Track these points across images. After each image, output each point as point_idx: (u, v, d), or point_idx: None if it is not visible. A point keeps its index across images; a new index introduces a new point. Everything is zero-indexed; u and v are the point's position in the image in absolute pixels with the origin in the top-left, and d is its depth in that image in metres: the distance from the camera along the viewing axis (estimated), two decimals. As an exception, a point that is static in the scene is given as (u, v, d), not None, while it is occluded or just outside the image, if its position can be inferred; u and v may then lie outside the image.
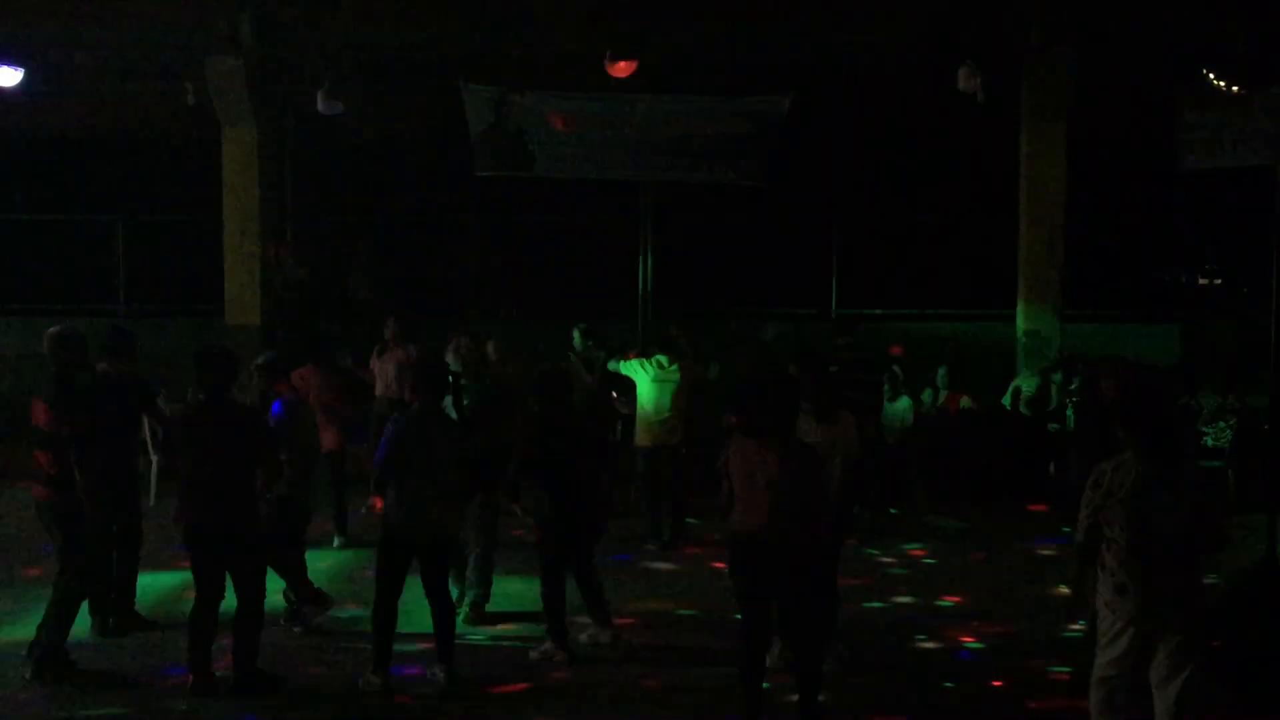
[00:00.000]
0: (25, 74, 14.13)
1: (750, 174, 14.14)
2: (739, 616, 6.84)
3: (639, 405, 11.40)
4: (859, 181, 16.79)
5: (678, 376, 11.28)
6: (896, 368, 13.20)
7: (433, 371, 7.78)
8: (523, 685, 7.62)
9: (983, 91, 13.56)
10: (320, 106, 14.31)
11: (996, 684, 7.70)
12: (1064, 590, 7.92)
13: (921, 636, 8.64)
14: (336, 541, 11.02)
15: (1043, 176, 15.03)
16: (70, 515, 7.65)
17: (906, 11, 14.33)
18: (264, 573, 7.60)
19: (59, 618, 7.61)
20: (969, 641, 8.55)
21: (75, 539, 7.68)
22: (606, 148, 13.91)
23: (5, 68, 12.36)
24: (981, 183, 16.44)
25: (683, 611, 9.25)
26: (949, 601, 9.61)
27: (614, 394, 12.54)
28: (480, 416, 8.80)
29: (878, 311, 16.10)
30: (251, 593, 7.41)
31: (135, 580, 8.66)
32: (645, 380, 11.31)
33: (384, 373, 12.43)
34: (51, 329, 7.89)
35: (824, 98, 14.83)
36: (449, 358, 8.95)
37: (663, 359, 11.33)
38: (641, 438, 11.37)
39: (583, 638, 8.22)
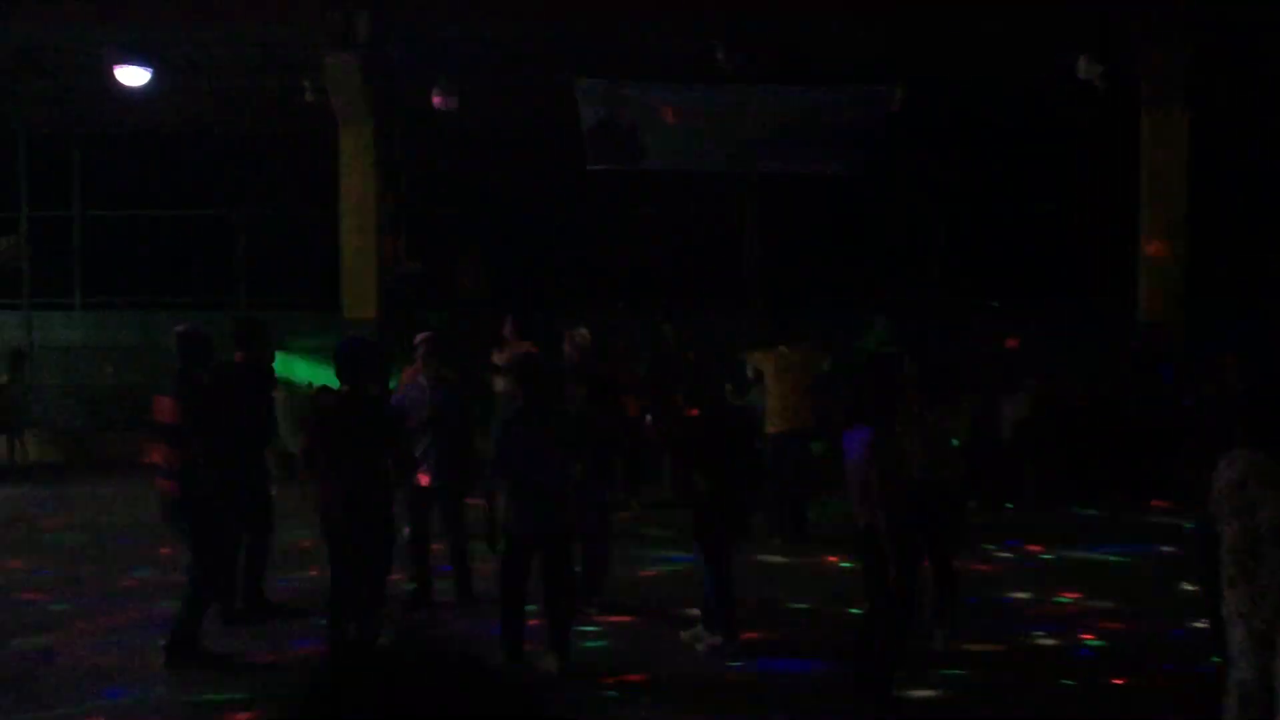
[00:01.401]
0: (151, 74, 14.55)
1: (859, 164, 14.04)
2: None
3: (767, 394, 11.42)
4: (971, 172, 16.55)
5: (800, 364, 11.31)
6: (1010, 360, 13.00)
7: (532, 370, 7.82)
8: (640, 676, 7.67)
9: (1103, 79, 13.29)
10: (435, 102, 14.47)
11: (1117, 682, 7.56)
12: (1191, 587, 7.75)
13: (1039, 633, 8.51)
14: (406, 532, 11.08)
15: (1163, 166, 14.67)
16: (194, 507, 7.82)
17: (1022, -2, 14.11)
18: (392, 555, 7.74)
19: (191, 605, 7.82)
20: (1089, 639, 8.41)
21: (201, 530, 7.84)
22: (717, 140, 13.92)
23: (133, 68, 12.71)
24: (1100, 173, 16.10)
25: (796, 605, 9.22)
26: (1067, 598, 9.45)
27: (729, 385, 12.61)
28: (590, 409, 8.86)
29: (995, 304, 15.85)
30: (378, 574, 7.56)
31: (265, 566, 8.86)
32: (770, 369, 11.36)
33: (504, 373, 12.52)
34: (179, 326, 8.10)
35: (936, 87, 14.66)
36: (565, 349, 9.03)
37: (784, 348, 11.39)
38: (769, 425, 11.42)
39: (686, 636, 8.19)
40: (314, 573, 8.90)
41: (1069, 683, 7.55)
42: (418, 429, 8.77)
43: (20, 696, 7.29)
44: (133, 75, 13.79)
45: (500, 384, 12.48)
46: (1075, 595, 9.48)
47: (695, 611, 8.26)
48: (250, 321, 9.02)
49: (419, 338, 9.31)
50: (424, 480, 8.94)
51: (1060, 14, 14.03)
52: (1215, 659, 6.15)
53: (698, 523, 8.13)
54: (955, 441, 6.96)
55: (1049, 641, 8.36)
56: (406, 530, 10.91)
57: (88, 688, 7.45)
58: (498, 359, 12.52)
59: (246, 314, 9.35)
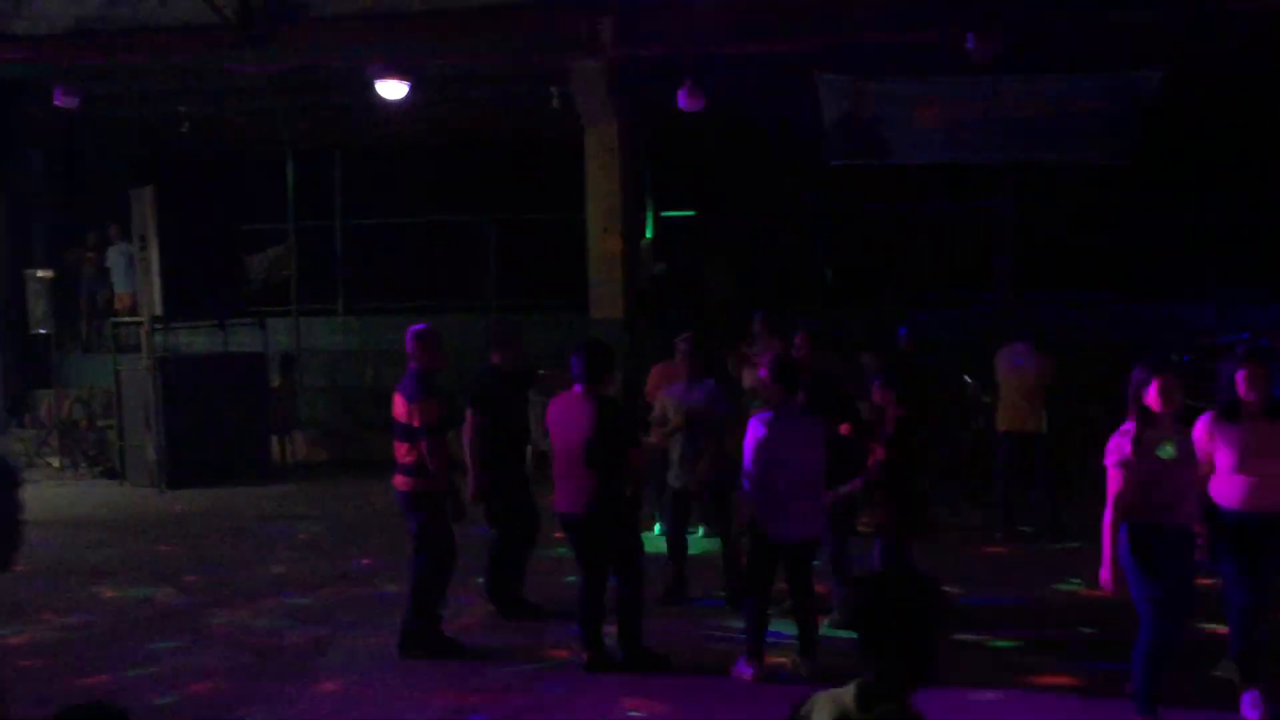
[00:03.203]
0: (409, 87, 15.11)
1: (1118, 153, 13.52)
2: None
3: (1001, 390, 11.31)
4: (1238, 158, 15.73)
5: (1035, 361, 11.10)
6: None
7: (787, 370, 7.81)
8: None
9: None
10: (681, 103, 14.59)
11: None
12: None
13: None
14: (658, 529, 11.18)
15: None
16: (425, 503, 8.02)
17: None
18: (640, 556, 7.80)
19: (417, 599, 8.06)
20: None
21: (429, 525, 8.04)
22: (967, 131, 13.62)
23: (393, 82, 13.20)
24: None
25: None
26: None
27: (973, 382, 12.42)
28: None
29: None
30: (630, 575, 7.65)
31: (525, 566, 9.07)
32: (1005, 365, 11.24)
33: (751, 366, 12.55)
34: (413, 327, 8.32)
35: (1199, 70, 14.00)
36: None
37: (1019, 344, 11.23)
38: (1001, 421, 11.27)
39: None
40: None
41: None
42: (680, 428, 8.86)
43: (304, 682, 7.68)
44: (392, 89, 14.33)
45: (748, 379, 12.52)
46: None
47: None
48: (505, 323, 9.23)
49: (681, 337, 9.38)
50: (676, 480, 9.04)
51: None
52: None
53: (883, 518, 8.08)
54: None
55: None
56: (656, 529, 11.09)
57: (358, 672, 7.80)
58: (749, 354, 12.55)
59: (503, 316, 9.57)
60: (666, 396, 9.27)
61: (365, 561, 10.85)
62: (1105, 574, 6.35)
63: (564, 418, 7.62)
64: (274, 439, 16.22)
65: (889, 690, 3.17)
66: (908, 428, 8.12)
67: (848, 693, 3.21)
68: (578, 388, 7.62)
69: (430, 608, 8.09)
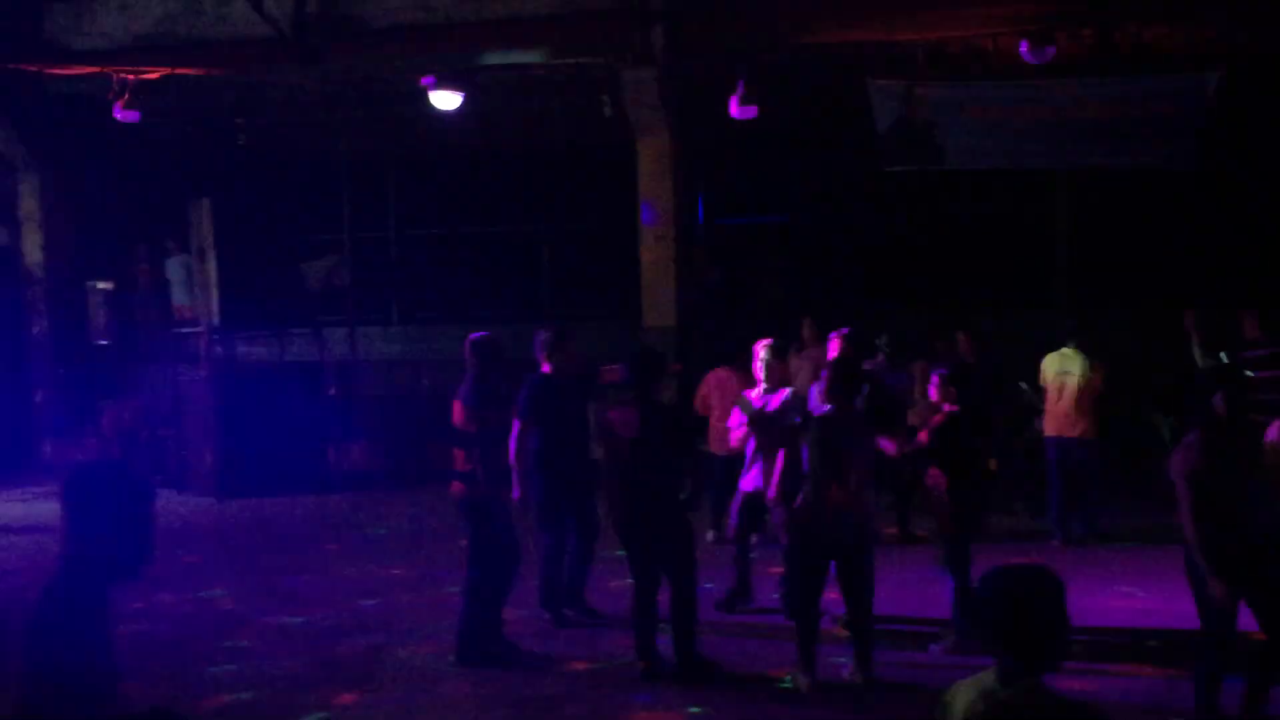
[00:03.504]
0: (462, 97, 15.21)
1: (1177, 157, 13.34)
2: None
3: (1048, 395, 11.42)
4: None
5: (1082, 368, 11.15)
6: None
7: (844, 372, 7.76)
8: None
9: None
10: (734, 111, 14.58)
11: None
12: None
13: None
14: (711, 535, 11.15)
15: None
16: (478, 509, 8.06)
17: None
18: (694, 564, 7.77)
19: (470, 606, 8.10)
20: None
21: (482, 532, 8.07)
22: (1021, 136, 13.50)
23: (446, 93, 13.29)
24: None
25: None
26: None
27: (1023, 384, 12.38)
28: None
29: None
30: (683, 582, 7.63)
31: (586, 572, 9.09)
32: (1052, 370, 11.35)
33: (800, 372, 12.54)
34: (471, 336, 8.39)
35: (1258, 72, 13.80)
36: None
37: (1067, 350, 11.32)
38: (1047, 426, 11.34)
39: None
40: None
41: None
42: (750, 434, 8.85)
43: (363, 690, 7.74)
44: (445, 100, 14.42)
45: (797, 384, 12.50)
46: None
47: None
48: (553, 330, 9.26)
49: (761, 344, 9.37)
50: (747, 485, 9.03)
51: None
52: None
53: (942, 523, 8.07)
54: None
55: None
56: (710, 535, 11.08)
57: (417, 680, 7.84)
58: (795, 361, 12.55)
59: (554, 324, 9.59)
60: (744, 400, 9.28)
61: (422, 570, 10.90)
62: (1217, 588, 6.20)
63: (619, 425, 7.64)
64: (330, 448, 16.35)
65: (1027, 671, 3.32)
66: (961, 427, 8.08)
67: (989, 674, 3.38)
68: (631, 395, 7.67)
69: (486, 615, 8.12)
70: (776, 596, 9.00)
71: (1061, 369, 11.29)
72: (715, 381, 11.28)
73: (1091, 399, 11.22)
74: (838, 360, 8.09)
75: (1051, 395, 11.38)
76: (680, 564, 7.66)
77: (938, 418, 8.20)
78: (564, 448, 8.80)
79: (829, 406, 7.56)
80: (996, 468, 10.15)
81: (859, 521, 7.44)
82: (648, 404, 7.62)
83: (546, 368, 8.92)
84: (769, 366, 9.11)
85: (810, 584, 7.50)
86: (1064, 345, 11.47)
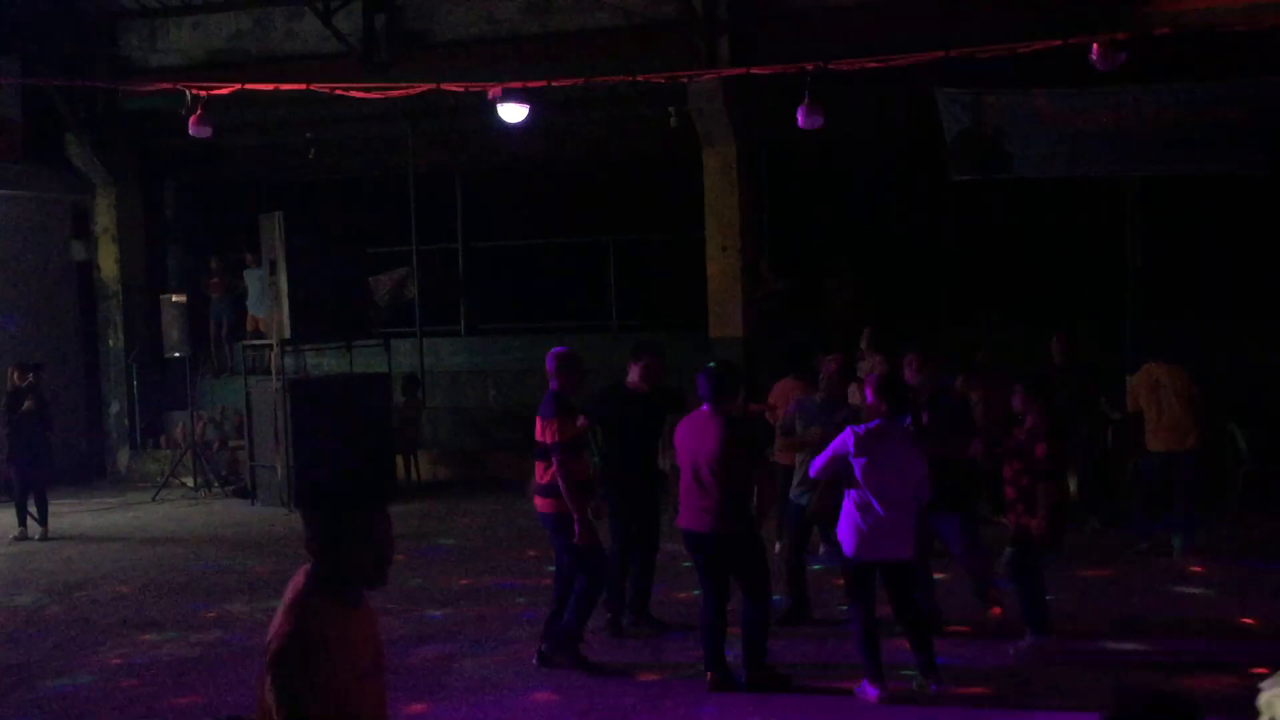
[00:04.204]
0: (529, 109, 15.26)
1: (1252, 164, 13.11)
2: None
3: (1145, 412, 11.11)
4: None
5: (1175, 381, 10.84)
6: None
7: (894, 389, 7.69)
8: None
9: None
10: (801, 121, 14.52)
11: None
12: None
13: None
14: (778, 547, 11.07)
15: None
16: (565, 523, 8.08)
17: None
18: (767, 575, 7.77)
19: (574, 612, 8.13)
20: None
21: (577, 544, 8.08)
22: (1091, 144, 13.33)
23: (514, 105, 13.32)
24: None
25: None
26: None
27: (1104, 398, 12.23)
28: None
29: None
30: (757, 594, 7.61)
31: (650, 582, 9.08)
32: (1144, 387, 11.03)
33: (861, 385, 12.44)
34: (554, 349, 8.45)
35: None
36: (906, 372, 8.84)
37: (1154, 364, 11.08)
38: (1154, 442, 11.05)
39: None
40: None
41: None
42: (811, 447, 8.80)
43: (433, 700, 7.78)
44: (512, 112, 14.49)
45: (855, 396, 12.40)
46: None
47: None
48: (646, 344, 9.29)
49: (828, 358, 9.33)
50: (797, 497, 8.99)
51: None
52: None
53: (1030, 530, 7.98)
54: None
55: None
56: (777, 546, 11.03)
57: (488, 690, 7.87)
58: (861, 370, 12.45)
59: (641, 337, 9.65)
60: (800, 411, 9.24)
61: (491, 580, 10.95)
62: None
63: (691, 437, 7.65)
64: (398, 458, 16.48)
65: None
66: (1044, 436, 8.01)
67: None
68: (705, 407, 7.68)
69: (579, 623, 8.17)
70: (845, 607, 8.94)
71: (1156, 383, 10.96)
72: (781, 392, 11.22)
73: (1196, 409, 11.00)
74: (883, 375, 8.04)
75: (1151, 412, 10.99)
76: (753, 576, 7.64)
77: (1023, 435, 8.11)
78: (625, 459, 8.80)
79: (878, 420, 7.52)
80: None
81: (900, 536, 7.40)
82: (724, 417, 7.61)
83: (633, 376, 8.93)
84: (833, 380, 9.13)
85: (858, 594, 7.46)
86: (1149, 361, 11.14)
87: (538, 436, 8.19)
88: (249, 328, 18.35)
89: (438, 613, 9.89)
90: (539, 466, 8.18)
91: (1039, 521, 7.90)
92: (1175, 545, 10.89)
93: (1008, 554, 8.13)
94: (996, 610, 8.67)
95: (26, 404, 13.76)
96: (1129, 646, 8.41)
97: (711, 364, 7.90)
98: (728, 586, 7.66)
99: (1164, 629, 8.82)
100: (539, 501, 8.23)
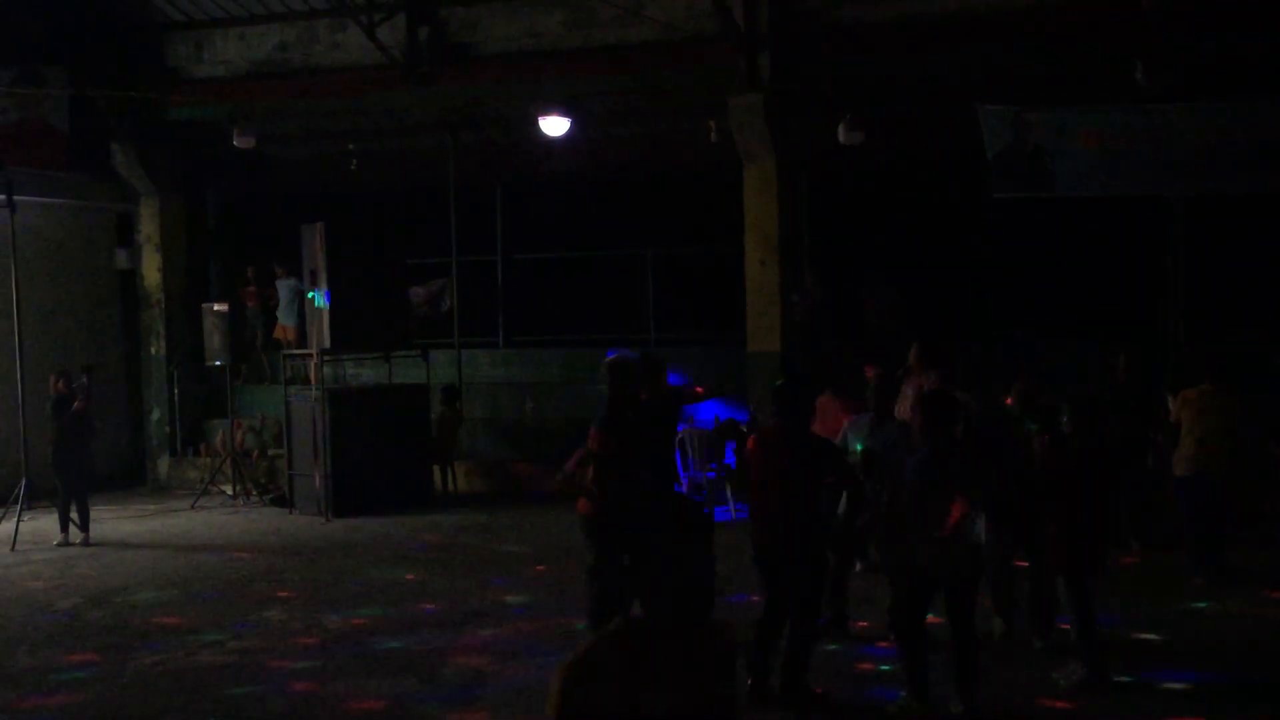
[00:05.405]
0: (570, 122, 15.35)
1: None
2: None
3: (1184, 434, 10.92)
4: None
5: (1219, 402, 10.72)
6: None
7: (941, 406, 7.61)
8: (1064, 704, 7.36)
9: None
10: (841, 137, 14.51)
11: None
12: None
13: None
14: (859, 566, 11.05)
15: None
16: (594, 526, 8.18)
17: None
18: (821, 590, 7.75)
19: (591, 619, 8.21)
20: None
21: (607, 551, 8.15)
22: (1135, 162, 13.25)
23: (555, 118, 13.42)
24: None
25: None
26: None
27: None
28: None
29: None
30: (807, 609, 7.58)
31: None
32: (1193, 409, 10.85)
33: (904, 397, 12.37)
34: (609, 358, 8.49)
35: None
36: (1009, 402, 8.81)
37: (1205, 387, 10.89)
38: (1192, 463, 10.88)
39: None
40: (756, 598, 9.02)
41: None
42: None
43: (462, 709, 7.78)
44: (554, 125, 14.58)
45: (899, 412, 12.32)
46: None
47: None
48: (647, 359, 9.30)
49: (873, 373, 9.30)
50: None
51: None
52: None
53: (1057, 553, 7.91)
54: None
55: None
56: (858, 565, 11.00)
57: (516, 703, 7.86)
58: (908, 388, 12.38)
59: (647, 351, 9.68)
60: (852, 428, 9.20)
61: (527, 593, 10.95)
62: None
63: (766, 453, 7.67)
64: (435, 469, 16.53)
65: None
66: (1080, 459, 7.94)
67: None
68: (779, 423, 7.71)
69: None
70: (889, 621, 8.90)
71: (1205, 407, 10.76)
72: (819, 408, 11.17)
73: (1240, 430, 10.86)
74: (931, 393, 7.99)
75: (1199, 435, 10.75)
76: (810, 590, 7.63)
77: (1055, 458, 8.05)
78: (626, 471, 8.75)
79: (927, 439, 7.47)
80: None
81: (962, 553, 7.31)
82: (800, 432, 7.64)
83: (643, 395, 8.93)
84: (880, 395, 9.11)
85: (913, 610, 7.39)
86: (1201, 384, 10.94)
87: (590, 444, 8.35)
88: (277, 336, 18.48)
89: (472, 624, 9.88)
90: (587, 472, 8.35)
91: (1050, 546, 7.83)
92: (1216, 570, 10.76)
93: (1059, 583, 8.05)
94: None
95: (76, 404, 13.87)
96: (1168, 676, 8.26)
97: (786, 379, 7.93)
98: (789, 601, 7.60)
99: (1200, 657, 8.70)
100: (580, 505, 8.40)
